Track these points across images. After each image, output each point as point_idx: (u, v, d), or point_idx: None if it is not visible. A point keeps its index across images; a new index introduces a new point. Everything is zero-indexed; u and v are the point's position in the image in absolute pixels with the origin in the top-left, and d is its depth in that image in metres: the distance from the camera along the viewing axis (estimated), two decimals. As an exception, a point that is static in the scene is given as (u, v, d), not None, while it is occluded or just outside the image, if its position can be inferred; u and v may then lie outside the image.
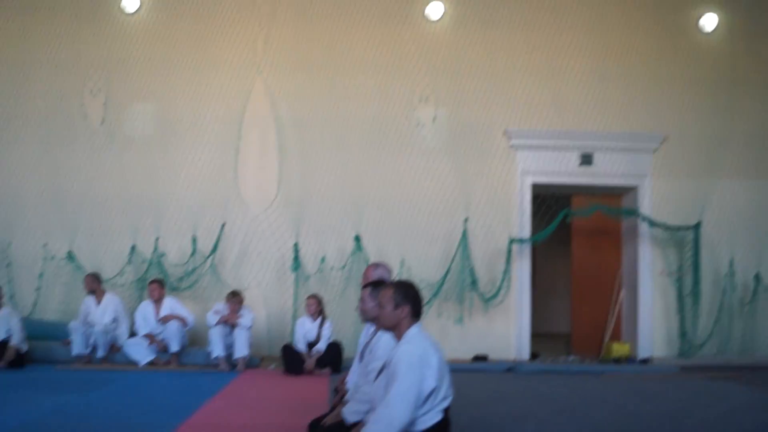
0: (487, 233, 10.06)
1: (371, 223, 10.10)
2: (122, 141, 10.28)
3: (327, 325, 8.98)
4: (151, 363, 8.92)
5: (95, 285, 9.40)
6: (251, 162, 10.28)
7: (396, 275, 9.70)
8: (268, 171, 10.23)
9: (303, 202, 10.17)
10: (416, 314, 3.68)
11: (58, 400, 6.49)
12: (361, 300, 4.57)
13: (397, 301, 3.65)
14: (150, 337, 9.05)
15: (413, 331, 3.63)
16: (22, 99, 10.27)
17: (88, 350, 8.98)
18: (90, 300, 9.34)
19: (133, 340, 9.09)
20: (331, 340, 8.88)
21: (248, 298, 9.59)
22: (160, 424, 5.36)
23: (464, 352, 9.87)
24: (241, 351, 8.80)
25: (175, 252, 10.16)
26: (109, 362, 9.04)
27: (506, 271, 9.93)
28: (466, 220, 9.97)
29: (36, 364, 8.83)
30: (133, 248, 10.08)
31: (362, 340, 4.77)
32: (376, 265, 5.50)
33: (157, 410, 6.15)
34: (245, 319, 8.93)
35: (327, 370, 8.63)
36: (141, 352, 8.96)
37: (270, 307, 10.11)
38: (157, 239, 10.09)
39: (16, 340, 8.56)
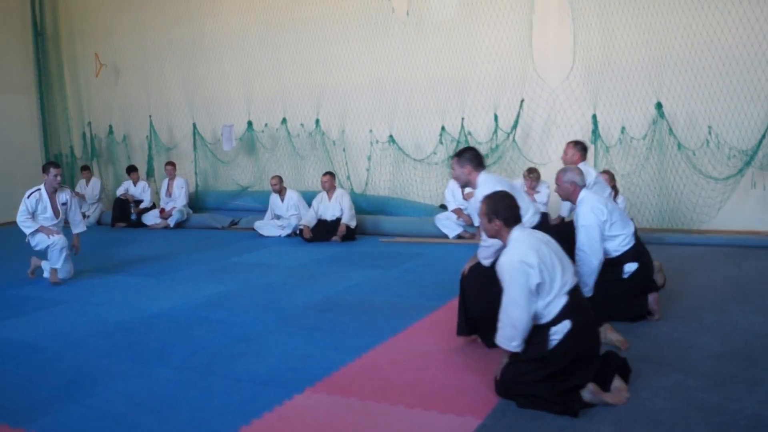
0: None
1: (676, 87, 9.44)
2: (428, 28, 10.95)
3: (620, 199, 8.90)
4: (458, 236, 9.81)
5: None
6: (546, 34, 10.20)
7: (702, 144, 9.16)
8: (564, 41, 10.05)
9: (601, 70, 9.87)
10: (512, 221, 3.93)
11: (365, 273, 7.60)
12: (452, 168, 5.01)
13: (489, 215, 3.95)
14: (457, 212, 9.90)
15: (513, 236, 3.90)
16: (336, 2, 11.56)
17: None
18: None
19: (443, 215, 10.02)
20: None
21: (551, 171, 9.81)
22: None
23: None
24: (536, 225, 9.21)
25: (480, 130, 10.72)
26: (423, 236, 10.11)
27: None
28: (785, 76, 8.76)
29: (366, 236, 10.29)
30: (442, 128, 10.89)
31: None
32: (565, 171, 5.47)
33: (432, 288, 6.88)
34: (541, 195, 9.28)
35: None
36: (450, 226, 9.88)
37: (572, 180, 10.21)
38: (462, 119, 10.73)
39: (346, 218, 10.05)
